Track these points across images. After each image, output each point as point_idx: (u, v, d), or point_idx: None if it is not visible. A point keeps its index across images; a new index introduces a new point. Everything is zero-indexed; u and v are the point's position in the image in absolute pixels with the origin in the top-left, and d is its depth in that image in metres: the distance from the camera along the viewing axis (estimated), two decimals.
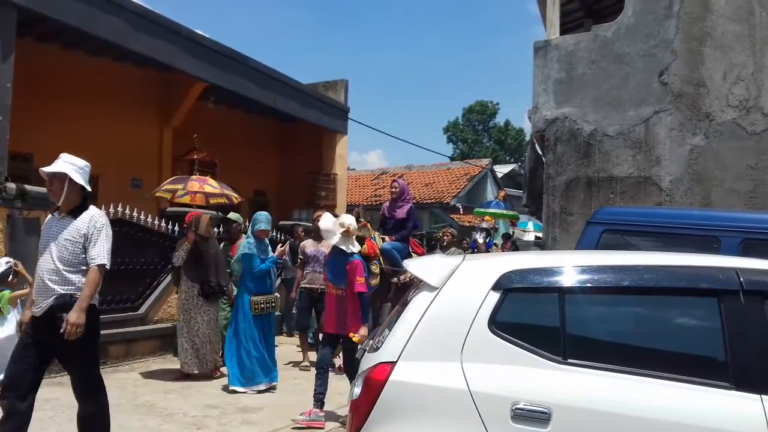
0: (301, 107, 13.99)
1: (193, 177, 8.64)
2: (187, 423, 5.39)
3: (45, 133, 7.81)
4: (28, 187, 6.93)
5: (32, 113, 8.45)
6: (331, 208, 14.92)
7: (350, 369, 5.57)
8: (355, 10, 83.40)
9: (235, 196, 9.54)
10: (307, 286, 8.09)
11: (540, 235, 16.24)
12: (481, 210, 17.76)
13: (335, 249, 5.71)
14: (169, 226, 8.92)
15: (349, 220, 5.79)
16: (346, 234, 5.65)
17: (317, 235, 7.88)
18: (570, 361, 2.44)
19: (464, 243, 14.00)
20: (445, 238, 9.67)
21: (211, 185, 8.94)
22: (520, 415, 2.36)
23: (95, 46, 10.05)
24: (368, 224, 7.46)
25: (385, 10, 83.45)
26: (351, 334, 5.34)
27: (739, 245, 4.16)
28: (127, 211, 8.30)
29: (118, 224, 7.39)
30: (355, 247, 5.76)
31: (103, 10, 9.08)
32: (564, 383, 2.40)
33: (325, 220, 5.96)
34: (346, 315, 5.53)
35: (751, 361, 2.39)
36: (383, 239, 7.55)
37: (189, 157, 11.72)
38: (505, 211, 16.80)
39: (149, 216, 8.76)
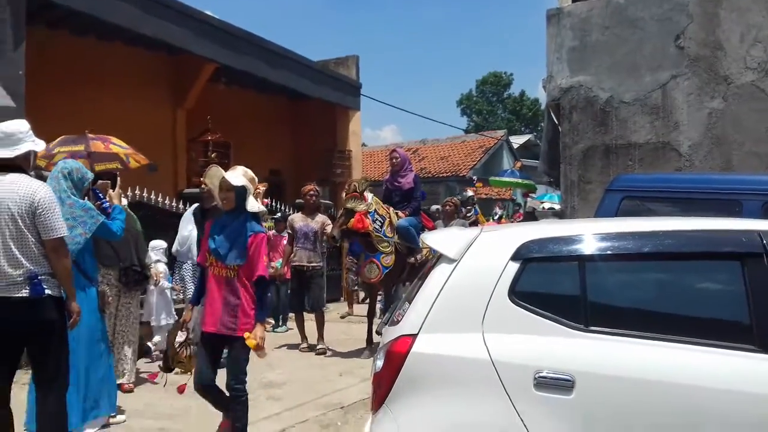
0: (312, 85, 13.93)
1: (91, 135, 6.93)
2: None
3: (59, 119, 7.83)
4: (45, 173, 6.98)
5: (45, 100, 8.48)
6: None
7: (234, 387, 4.02)
8: None
9: (138, 158, 7.40)
10: (296, 264, 7.66)
11: (554, 205, 16.16)
12: (497, 179, 17.67)
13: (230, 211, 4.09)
14: (186, 207, 8.97)
15: (252, 173, 4.20)
16: (253, 189, 4.13)
17: (307, 209, 7.80)
18: (592, 328, 2.44)
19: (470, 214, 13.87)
20: (447, 208, 9.11)
21: (117, 144, 7.20)
22: (543, 383, 2.37)
23: (106, 31, 10.05)
24: (365, 195, 7.06)
25: None
26: (246, 335, 3.90)
27: (761, 208, 4.11)
28: (145, 194, 8.37)
29: (138, 207, 7.39)
30: (261, 209, 4.31)
31: None
32: (587, 350, 2.40)
33: (229, 172, 4.13)
34: (237, 308, 3.97)
35: None
36: (397, 215, 7.42)
37: (203, 139, 11.77)
38: (520, 180, 16.70)
39: (167, 198, 8.82)
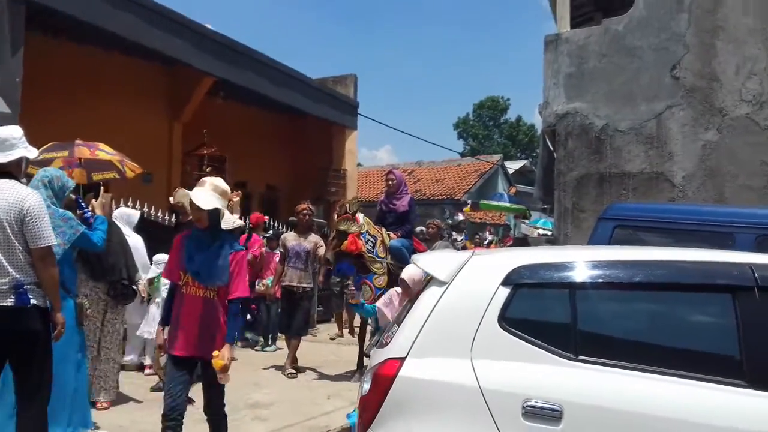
0: (310, 102, 13.96)
1: (79, 141, 6.81)
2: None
3: (54, 127, 7.81)
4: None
5: (41, 108, 8.46)
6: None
7: (214, 412, 3.92)
8: (362, 5, 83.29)
9: (132, 167, 7.35)
10: (286, 284, 7.56)
11: (546, 232, 16.15)
12: (488, 203, 17.66)
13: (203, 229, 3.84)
14: (173, 220, 8.93)
15: (223, 183, 3.95)
16: (226, 203, 3.88)
17: (301, 228, 7.72)
18: (581, 357, 2.41)
19: (476, 238, 13.92)
20: (430, 230, 9.19)
21: (105, 151, 7.04)
22: (532, 412, 2.33)
23: (105, 41, 10.05)
24: (357, 217, 6.97)
25: (393, 5, 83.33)
26: (214, 354, 3.65)
27: (754, 241, 4.10)
28: (137, 206, 8.33)
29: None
30: (236, 224, 4.03)
31: (113, 4, 9.08)
32: (576, 380, 2.37)
33: (197, 190, 3.87)
34: (216, 330, 3.75)
35: (765, 358, 2.35)
36: (389, 235, 7.37)
37: (199, 153, 11.73)
38: (509, 204, 16.69)
39: (159, 211, 8.78)
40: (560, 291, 2.61)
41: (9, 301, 3.39)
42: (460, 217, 11.76)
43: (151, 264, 6.52)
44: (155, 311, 6.46)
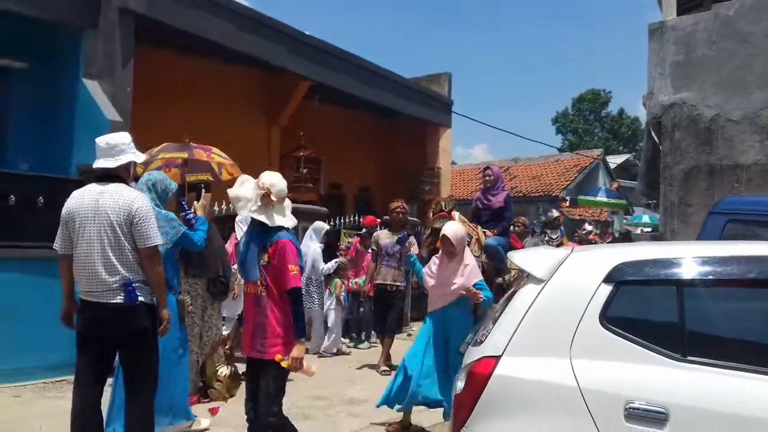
0: (404, 102, 14.01)
1: (194, 144, 7.03)
2: (294, 414, 5.51)
3: (160, 134, 8.22)
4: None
5: (149, 116, 8.93)
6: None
7: (260, 416, 3.70)
8: (458, 2, 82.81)
9: (231, 171, 7.24)
10: (379, 282, 7.56)
11: (645, 228, 15.39)
12: (585, 198, 17.06)
13: (252, 226, 3.80)
14: None
15: (273, 179, 3.77)
16: (267, 199, 3.68)
17: (394, 226, 7.67)
18: (690, 358, 2.28)
19: (575, 235, 13.51)
20: (517, 228, 9.13)
21: (218, 154, 7.25)
22: (635, 414, 2.23)
23: (207, 50, 10.49)
24: (453, 215, 6.75)
25: (490, 2, 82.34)
26: (277, 357, 3.60)
27: None
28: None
29: (230, 220, 7.65)
30: (286, 220, 3.78)
31: (213, 13, 9.48)
32: (683, 382, 2.24)
33: (238, 185, 3.82)
34: (266, 328, 3.66)
35: None
36: (485, 233, 7.25)
37: (295, 155, 12.04)
38: (607, 199, 16.03)
39: None
40: (667, 288, 2.48)
41: (119, 299, 3.59)
42: (555, 213, 11.37)
43: None
44: None
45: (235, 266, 6.58)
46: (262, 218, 3.65)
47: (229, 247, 8.36)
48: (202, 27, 9.34)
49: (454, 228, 4.91)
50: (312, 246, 8.29)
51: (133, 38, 8.24)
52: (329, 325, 8.51)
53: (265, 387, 3.66)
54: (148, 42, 9.67)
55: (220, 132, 10.70)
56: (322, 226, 8.56)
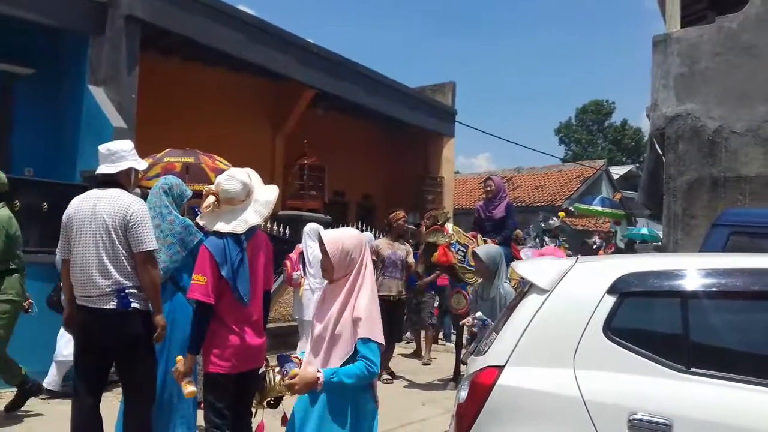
0: (408, 111, 14.07)
1: (198, 151, 7.13)
2: None
3: (166, 140, 8.27)
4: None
5: (153, 123, 8.98)
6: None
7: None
8: (464, 13, 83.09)
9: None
10: (384, 293, 6.78)
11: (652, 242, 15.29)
12: (582, 206, 17.00)
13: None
14: (280, 229, 9.20)
15: (220, 179, 3.54)
16: (216, 202, 3.46)
17: (394, 234, 7.54)
18: (694, 370, 2.27)
19: (583, 246, 13.51)
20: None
21: (222, 162, 7.31)
22: (639, 426, 2.22)
23: (213, 58, 10.56)
24: (446, 227, 6.80)
25: (495, 11, 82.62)
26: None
27: None
28: None
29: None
30: (233, 226, 3.42)
31: (220, 22, 9.54)
32: (687, 394, 2.23)
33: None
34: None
35: None
36: (486, 242, 7.25)
37: (300, 163, 12.07)
38: (602, 209, 15.94)
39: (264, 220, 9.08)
40: (672, 300, 2.47)
41: (111, 305, 3.58)
42: (556, 222, 11.32)
43: None
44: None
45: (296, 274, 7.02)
46: (202, 222, 3.55)
47: (294, 255, 8.46)
48: (209, 35, 9.40)
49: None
50: (318, 250, 8.02)
51: (139, 46, 8.29)
52: None
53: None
54: (155, 50, 9.74)
55: (224, 139, 10.76)
56: (317, 226, 7.83)
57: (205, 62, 10.91)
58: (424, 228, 7.20)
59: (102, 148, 3.82)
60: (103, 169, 3.76)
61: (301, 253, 8.41)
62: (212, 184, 7.02)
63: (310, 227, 7.80)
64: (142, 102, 8.31)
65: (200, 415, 4.45)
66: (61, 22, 7.95)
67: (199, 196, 5.30)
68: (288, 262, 7.42)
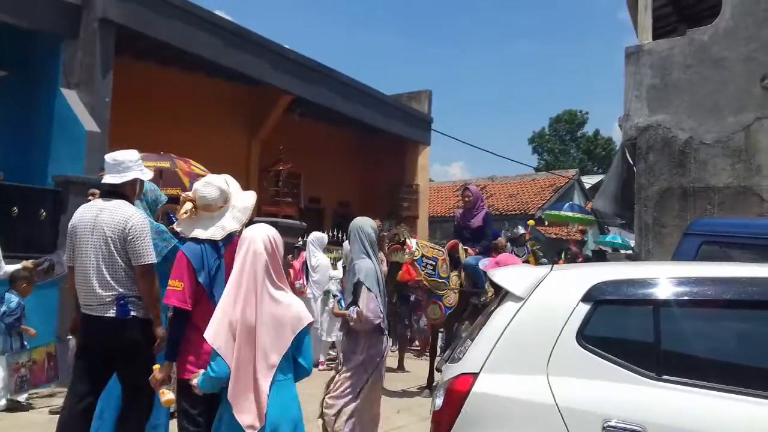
0: (384, 118, 14.09)
1: (173, 155, 7.09)
2: None
3: (139, 145, 8.20)
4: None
5: (128, 127, 8.87)
6: (413, 220, 14.91)
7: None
8: (439, 22, 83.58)
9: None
10: None
11: (606, 249, 15.41)
12: (552, 212, 17.13)
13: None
14: None
15: (197, 185, 3.53)
16: (194, 209, 3.45)
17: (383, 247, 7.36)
18: (665, 377, 2.31)
19: (568, 255, 13.56)
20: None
21: (198, 167, 7.27)
22: None
23: (189, 62, 10.48)
24: (408, 244, 6.70)
25: (471, 22, 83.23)
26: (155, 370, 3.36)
27: None
28: None
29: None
30: (210, 232, 3.40)
31: (196, 26, 9.47)
32: (659, 401, 2.27)
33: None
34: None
35: None
36: (466, 251, 7.28)
37: (275, 169, 12.02)
38: (572, 214, 16.07)
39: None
40: (644, 308, 2.51)
41: (111, 312, 3.61)
42: (521, 230, 11.34)
43: None
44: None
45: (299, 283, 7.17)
46: (179, 229, 3.52)
47: (297, 264, 8.37)
48: (184, 40, 9.33)
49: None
50: (322, 259, 8.26)
51: (114, 49, 8.20)
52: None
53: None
54: (129, 53, 9.64)
55: (199, 144, 10.67)
56: (322, 235, 8.55)
57: (180, 66, 10.82)
58: (386, 247, 7.01)
59: (108, 158, 3.83)
60: (108, 179, 3.78)
61: (304, 262, 8.42)
62: (186, 189, 6.98)
63: (315, 236, 7.93)
64: (117, 106, 8.21)
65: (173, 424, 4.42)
66: (34, 24, 7.82)
67: (174, 201, 5.27)
68: (291, 271, 7.41)
